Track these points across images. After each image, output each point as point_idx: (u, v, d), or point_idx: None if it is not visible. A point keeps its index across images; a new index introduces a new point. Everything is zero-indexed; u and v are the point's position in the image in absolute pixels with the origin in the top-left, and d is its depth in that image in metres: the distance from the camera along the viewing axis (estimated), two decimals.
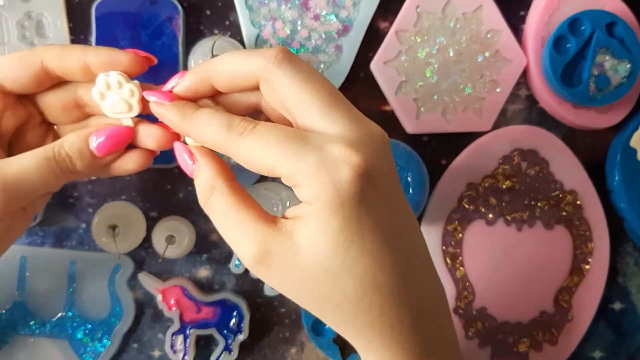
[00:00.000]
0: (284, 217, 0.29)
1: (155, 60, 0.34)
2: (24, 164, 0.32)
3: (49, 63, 0.32)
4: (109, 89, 0.32)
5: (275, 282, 0.29)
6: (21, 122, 0.35)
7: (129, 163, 0.34)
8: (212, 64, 0.31)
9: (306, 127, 0.28)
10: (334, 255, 0.27)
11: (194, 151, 0.31)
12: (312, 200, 0.27)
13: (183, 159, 0.31)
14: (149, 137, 0.33)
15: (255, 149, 0.28)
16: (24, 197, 0.33)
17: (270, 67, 0.29)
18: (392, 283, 0.28)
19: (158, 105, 0.31)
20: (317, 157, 0.27)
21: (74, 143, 0.33)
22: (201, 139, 0.30)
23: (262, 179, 0.46)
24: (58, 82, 0.34)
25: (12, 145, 0.35)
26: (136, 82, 0.32)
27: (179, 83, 0.31)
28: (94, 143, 0.33)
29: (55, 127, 0.37)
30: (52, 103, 0.35)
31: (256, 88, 0.31)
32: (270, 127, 0.28)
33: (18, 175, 0.32)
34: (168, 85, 0.32)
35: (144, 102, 0.32)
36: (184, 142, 0.32)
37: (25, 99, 0.35)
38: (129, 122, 0.33)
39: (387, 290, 0.27)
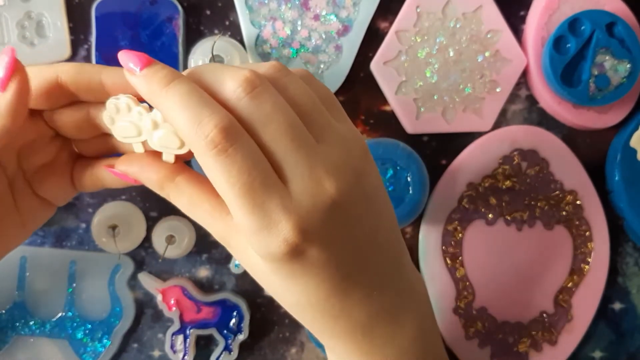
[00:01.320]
0: None
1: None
2: None
3: (64, 78, 0.31)
4: (118, 113, 0.31)
5: (239, 262, 0.31)
6: (30, 138, 0.34)
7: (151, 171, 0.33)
8: (166, 92, 0.27)
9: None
10: (270, 276, 0.28)
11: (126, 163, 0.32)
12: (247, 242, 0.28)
13: (125, 178, 0.33)
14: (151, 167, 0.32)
15: (216, 177, 0.26)
16: None
17: (204, 151, 0.26)
18: (325, 305, 0.29)
19: (129, 74, 0.29)
20: (259, 224, 0.26)
21: None
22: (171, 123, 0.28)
23: None
24: (70, 102, 0.33)
25: (23, 160, 0.34)
26: (145, 105, 0.30)
27: (127, 168, 0.32)
28: None
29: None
30: (65, 122, 0.33)
31: None
32: (242, 164, 0.26)
33: None
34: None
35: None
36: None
37: (37, 115, 0.33)
38: (139, 148, 0.32)
39: (319, 308, 0.29)
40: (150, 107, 0.30)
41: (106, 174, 0.34)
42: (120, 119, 0.31)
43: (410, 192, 0.44)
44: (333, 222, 0.27)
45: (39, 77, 0.31)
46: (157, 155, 0.31)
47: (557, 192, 0.46)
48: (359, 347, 0.30)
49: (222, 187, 0.26)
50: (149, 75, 0.28)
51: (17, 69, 0.30)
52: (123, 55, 0.28)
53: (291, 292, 0.28)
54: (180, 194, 0.30)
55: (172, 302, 0.45)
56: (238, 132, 0.26)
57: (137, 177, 0.31)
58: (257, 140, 0.26)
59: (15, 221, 0.34)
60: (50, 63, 0.44)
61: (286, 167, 0.26)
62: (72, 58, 0.45)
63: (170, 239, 0.45)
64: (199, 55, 0.44)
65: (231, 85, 0.27)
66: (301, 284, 0.28)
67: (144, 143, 0.31)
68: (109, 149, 0.35)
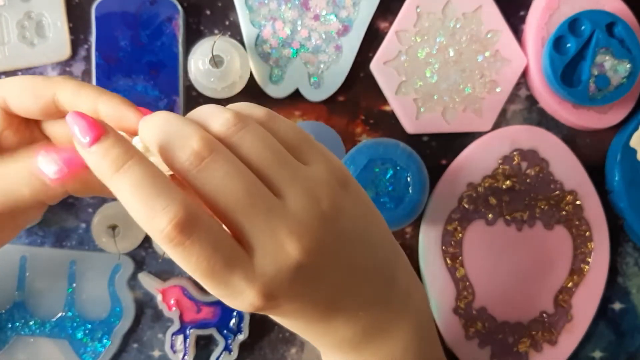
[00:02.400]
0: None
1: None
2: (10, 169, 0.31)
3: (61, 98, 0.31)
4: None
5: None
6: (23, 143, 0.33)
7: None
8: (116, 178, 0.25)
9: None
10: None
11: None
12: None
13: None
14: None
15: (178, 262, 0.25)
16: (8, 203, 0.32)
17: (164, 243, 0.25)
18: (311, 329, 0.30)
19: (78, 145, 0.26)
20: (228, 293, 0.26)
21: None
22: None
23: None
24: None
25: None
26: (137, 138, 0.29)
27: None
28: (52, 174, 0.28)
29: None
30: (59, 133, 0.33)
31: None
32: (201, 253, 0.24)
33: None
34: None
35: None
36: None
37: (32, 122, 0.33)
38: None
39: (307, 330, 0.30)
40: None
41: (92, 180, 0.34)
42: None
43: (410, 192, 0.44)
44: (300, 280, 0.26)
45: (37, 91, 0.31)
46: None
47: (557, 192, 0.46)
48: (348, 358, 0.31)
49: (186, 268, 0.25)
50: (99, 153, 0.25)
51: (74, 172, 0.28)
52: (71, 119, 0.25)
53: (278, 319, 0.30)
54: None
55: (172, 302, 0.45)
56: (195, 221, 0.24)
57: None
58: (215, 210, 0.25)
59: (5, 217, 0.34)
60: (50, 64, 0.45)
61: (248, 235, 0.25)
62: (72, 58, 0.45)
63: None
64: (199, 55, 0.44)
65: (182, 156, 0.25)
66: (282, 320, 0.30)
67: None
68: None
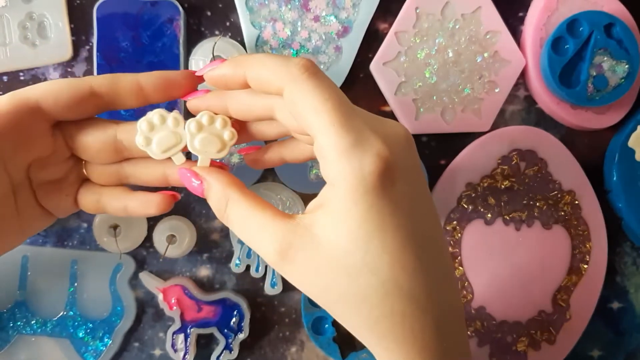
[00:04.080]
0: (303, 213, 0.29)
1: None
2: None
3: (98, 88, 0.32)
4: (153, 129, 0.31)
5: (297, 279, 0.28)
6: (46, 153, 0.34)
7: (150, 207, 0.34)
8: (246, 60, 0.30)
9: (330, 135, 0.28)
10: (354, 249, 0.26)
11: (200, 171, 0.31)
12: (335, 180, 0.27)
13: (190, 182, 0.32)
14: (150, 204, 0.34)
15: (307, 103, 0.28)
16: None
17: (297, 76, 0.28)
18: (415, 287, 0.27)
19: (213, 68, 0.31)
20: (353, 138, 0.27)
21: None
22: (259, 78, 0.30)
23: (262, 179, 0.46)
24: (97, 124, 0.34)
25: (33, 172, 0.34)
26: (177, 110, 0.31)
27: (214, 69, 0.31)
28: None
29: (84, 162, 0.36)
30: (89, 143, 0.34)
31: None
32: (330, 85, 0.28)
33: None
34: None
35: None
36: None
37: (58, 132, 0.34)
38: (180, 158, 0.32)
39: (409, 294, 0.26)
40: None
41: (109, 202, 0.35)
42: (156, 134, 0.31)
43: None
44: (409, 155, 0.28)
45: (72, 88, 0.32)
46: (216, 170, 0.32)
47: (556, 192, 0.47)
48: (429, 350, 0.27)
49: (315, 107, 0.27)
50: (231, 60, 0.31)
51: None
52: (205, 67, 0.32)
53: (378, 269, 0.26)
54: (238, 203, 0.30)
55: (173, 301, 0.45)
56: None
57: (205, 181, 0.31)
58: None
59: (14, 226, 0.34)
60: (52, 65, 0.45)
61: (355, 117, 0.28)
62: (74, 59, 0.45)
63: (171, 239, 0.45)
64: (200, 56, 0.44)
65: (296, 64, 0.29)
66: (389, 244, 0.26)
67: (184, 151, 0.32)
68: (118, 180, 0.36)
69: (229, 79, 0.31)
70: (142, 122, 0.32)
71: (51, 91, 0.32)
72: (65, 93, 0.32)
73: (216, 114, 0.32)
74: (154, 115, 0.31)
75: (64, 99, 0.32)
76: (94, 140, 0.34)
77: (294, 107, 0.28)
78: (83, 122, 0.34)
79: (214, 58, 0.43)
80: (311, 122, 0.27)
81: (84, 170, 0.36)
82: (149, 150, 0.32)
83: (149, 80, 0.32)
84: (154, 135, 0.31)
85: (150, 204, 0.34)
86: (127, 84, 0.32)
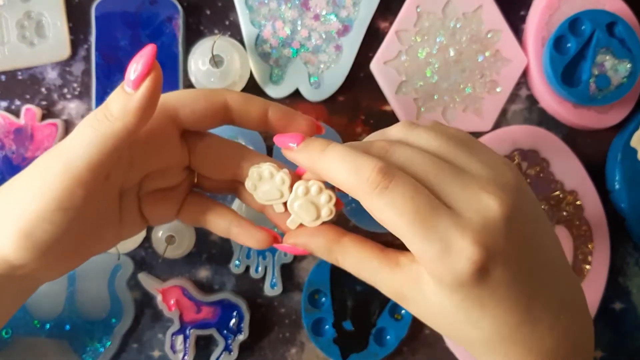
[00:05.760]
0: (405, 255, 0.30)
1: (323, 131, 0.34)
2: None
3: (232, 103, 0.32)
4: (261, 180, 0.33)
5: (414, 313, 0.30)
6: (171, 163, 0.33)
7: (251, 241, 0.34)
8: (320, 161, 0.30)
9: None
10: (456, 314, 0.28)
11: (300, 240, 0.32)
12: (431, 275, 0.28)
13: (293, 251, 0.33)
14: (252, 238, 0.34)
15: (384, 218, 0.27)
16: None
17: (368, 193, 0.28)
18: (517, 335, 0.28)
19: (288, 151, 0.31)
20: (438, 249, 0.26)
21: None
22: (333, 182, 0.30)
23: None
24: (227, 144, 0.34)
25: (147, 180, 0.34)
26: (285, 170, 0.32)
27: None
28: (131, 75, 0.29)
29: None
30: (213, 159, 0.34)
31: None
32: (405, 192, 0.27)
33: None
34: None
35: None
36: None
37: (184, 142, 0.33)
38: (280, 208, 0.33)
39: (511, 340, 0.28)
40: (290, 172, 0.33)
41: (215, 219, 0.35)
42: (262, 184, 0.33)
43: None
44: (508, 236, 0.27)
45: (208, 98, 0.32)
46: (319, 226, 0.33)
47: (558, 192, 0.46)
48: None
49: (393, 221, 0.27)
50: (307, 145, 0.30)
51: (152, 68, 0.29)
52: (279, 139, 0.32)
53: (481, 327, 0.28)
54: (347, 254, 0.31)
55: (172, 302, 0.45)
56: (393, 169, 0.27)
57: (307, 246, 0.32)
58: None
59: (113, 230, 0.33)
60: (50, 63, 0.45)
61: (443, 193, 0.27)
62: (72, 58, 0.45)
63: (170, 239, 0.45)
64: (199, 55, 0.44)
65: (368, 178, 0.28)
66: (490, 313, 0.27)
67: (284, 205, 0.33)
68: (230, 191, 0.36)
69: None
70: (253, 171, 0.33)
71: (189, 100, 0.32)
72: (202, 103, 0.32)
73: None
74: (265, 169, 0.33)
75: (200, 108, 0.32)
76: (219, 156, 0.34)
77: (374, 216, 0.29)
78: (212, 139, 0.34)
79: (213, 57, 0.43)
80: (394, 232, 0.28)
81: (197, 180, 0.36)
82: (255, 195, 0.33)
83: (276, 112, 0.32)
84: (261, 185, 0.33)
85: (252, 237, 0.34)
86: (258, 107, 0.32)
